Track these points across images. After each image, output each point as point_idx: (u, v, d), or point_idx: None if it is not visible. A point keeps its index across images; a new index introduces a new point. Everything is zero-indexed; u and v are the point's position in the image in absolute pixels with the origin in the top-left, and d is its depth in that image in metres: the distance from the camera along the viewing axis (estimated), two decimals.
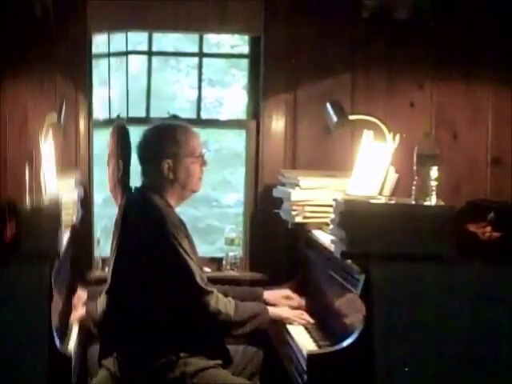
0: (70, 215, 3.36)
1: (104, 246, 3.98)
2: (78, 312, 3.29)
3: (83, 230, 3.78)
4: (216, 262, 4.16)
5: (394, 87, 4.01)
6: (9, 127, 3.91)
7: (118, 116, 3.61)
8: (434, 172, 2.79)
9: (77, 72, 3.94)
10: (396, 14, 3.94)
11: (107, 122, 3.99)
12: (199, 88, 4.28)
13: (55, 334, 2.64)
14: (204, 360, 2.99)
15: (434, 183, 2.79)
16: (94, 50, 4.05)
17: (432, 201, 2.79)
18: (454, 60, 3.96)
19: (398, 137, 3.27)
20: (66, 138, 3.89)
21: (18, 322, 2.58)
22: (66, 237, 3.16)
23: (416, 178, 2.81)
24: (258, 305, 3.21)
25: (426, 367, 2.60)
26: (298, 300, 3.40)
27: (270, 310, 3.18)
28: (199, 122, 4.15)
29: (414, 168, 2.82)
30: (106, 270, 3.25)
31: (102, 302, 3.10)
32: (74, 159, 3.95)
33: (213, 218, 5.01)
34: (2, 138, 3.90)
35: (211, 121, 4.48)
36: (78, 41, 3.92)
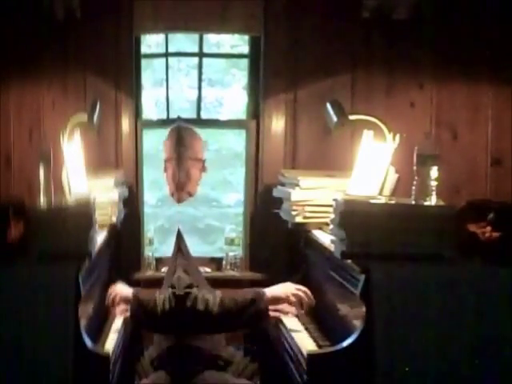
0: (106, 215, 3.37)
1: (159, 246, 4.02)
2: (123, 292, 3.15)
3: (129, 230, 3.81)
4: (216, 262, 4.16)
5: (394, 87, 4.01)
6: (17, 127, 3.91)
7: (179, 117, 3.61)
8: (434, 172, 2.78)
9: (119, 72, 3.95)
10: (396, 14, 3.94)
11: (162, 123, 4.06)
12: (199, 88, 4.28)
13: (84, 334, 2.60)
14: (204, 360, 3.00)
15: (433, 183, 2.79)
16: (146, 50, 4.11)
17: (432, 201, 2.78)
18: (454, 60, 3.96)
19: (398, 137, 3.27)
20: (102, 138, 3.90)
21: (39, 322, 2.56)
22: (101, 237, 3.13)
23: (416, 177, 2.81)
24: (252, 291, 3.07)
25: (426, 367, 2.59)
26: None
27: (269, 291, 3.05)
28: (199, 121, 4.15)
29: (414, 168, 2.81)
30: (163, 269, 3.24)
31: (164, 302, 2.99)
32: (114, 159, 3.96)
33: (213, 218, 4.99)
34: (8, 138, 3.90)
35: (211, 121, 4.47)
36: (119, 41, 3.94)
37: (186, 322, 2.96)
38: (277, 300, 3.06)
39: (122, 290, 3.16)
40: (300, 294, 3.09)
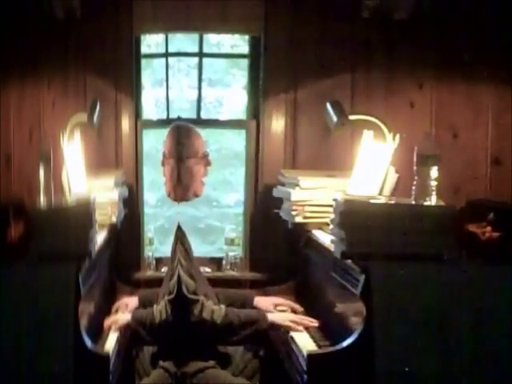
0: (106, 215, 3.37)
1: (159, 246, 4.02)
2: (120, 320, 3.17)
3: (129, 230, 3.81)
4: (216, 262, 4.16)
5: (394, 87, 4.01)
6: (17, 127, 3.91)
7: (179, 117, 3.60)
8: (434, 172, 2.79)
9: (119, 72, 3.95)
10: (396, 13, 3.94)
11: (162, 123, 4.05)
12: (199, 88, 4.28)
13: (84, 334, 2.61)
14: (203, 360, 3.00)
15: (433, 183, 2.79)
16: (146, 50, 4.11)
17: (432, 201, 2.78)
18: (454, 60, 3.96)
19: (397, 137, 3.27)
20: (102, 138, 3.90)
21: (39, 322, 2.56)
22: (101, 236, 3.13)
23: (416, 177, 2.81)
24: (255, 312, 3.17)
25: (426, 367, 2.60)
26: (291, 306, 3.35)
27: (270, 316, 3.12)
28: (199, 121, 4.15)
29: (414, 168, 2.81)
30: (163, 269, 3.23)
31: (161, 311, 3.01)
32: (114, 159, 3.96)
33: (213, 218, 5.00)
34: (8, 138, 3.90)
35: (211, 121, 4.48)
36: (120, 41, 3.94)
37: (187, 328, 2.97)
38: (276, 326, 3.13)
39: (120, 318, 3.18)
40: (297, 320, 3.16)
